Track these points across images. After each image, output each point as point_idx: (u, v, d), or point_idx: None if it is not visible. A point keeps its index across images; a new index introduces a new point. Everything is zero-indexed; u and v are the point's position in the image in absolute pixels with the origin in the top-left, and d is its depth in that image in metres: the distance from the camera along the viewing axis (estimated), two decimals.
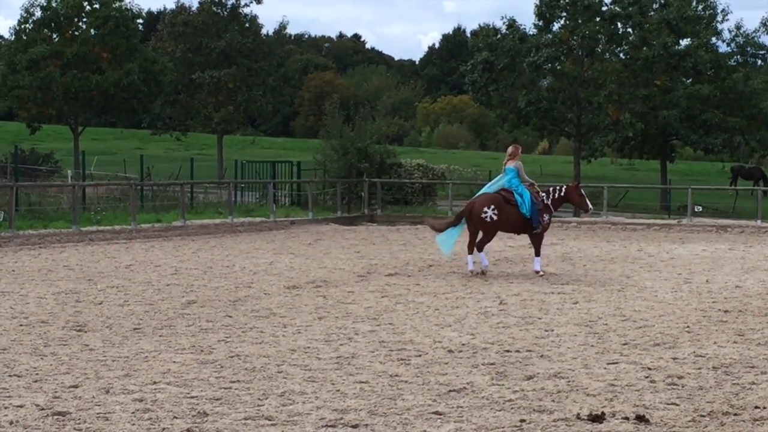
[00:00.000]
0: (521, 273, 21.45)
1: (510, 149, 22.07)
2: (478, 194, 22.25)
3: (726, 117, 53.14)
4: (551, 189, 22.35)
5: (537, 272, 21.29)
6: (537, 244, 21.76)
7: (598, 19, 52.40)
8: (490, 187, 22.13)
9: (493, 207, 21.18)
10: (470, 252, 21.38)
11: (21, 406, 9.21)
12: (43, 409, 9.15)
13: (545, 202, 21.83)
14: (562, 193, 22.18)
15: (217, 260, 23.55)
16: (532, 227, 21.50)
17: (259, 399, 9.64)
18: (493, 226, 21.33)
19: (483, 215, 21.15)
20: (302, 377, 10.65)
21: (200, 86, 60.08)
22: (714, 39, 54.62)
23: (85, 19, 53.00)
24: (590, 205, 22.57)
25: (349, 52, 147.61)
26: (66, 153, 60.50)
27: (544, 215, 21.79)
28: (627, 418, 9.00)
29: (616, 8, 52.12)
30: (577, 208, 25.70)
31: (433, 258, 24.42)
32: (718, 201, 51.66)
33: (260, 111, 63.61)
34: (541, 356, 11.96)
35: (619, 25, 53.41)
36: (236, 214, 36.19)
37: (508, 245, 22.72)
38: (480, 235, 21.37)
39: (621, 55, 54.33)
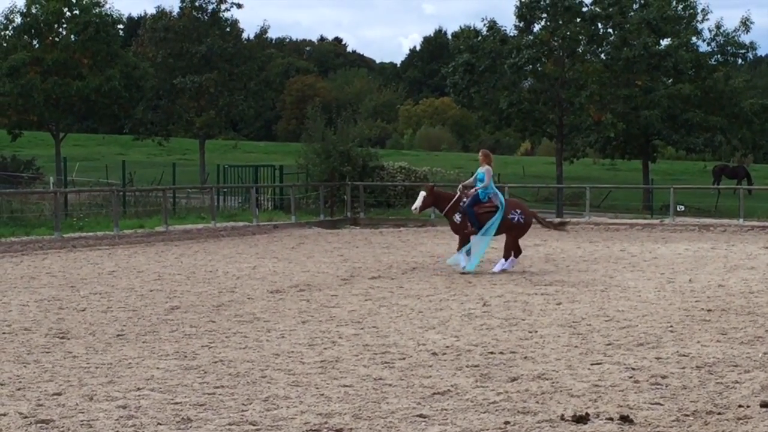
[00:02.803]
0: (504, 275, 21.46)
1: (481, 156, 22.42)
2: (502, 201, 22.40)
3: (707, 116, 53.25)
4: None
5: (461, 271, 21.72)
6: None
7: (578, 19, 52.46)
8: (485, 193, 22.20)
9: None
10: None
11: (4, 415, 9.18)
12: (26, 417, 9.12)
13: None
14: None
15: (200, 265, 23.49)
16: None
17: (243, 404, 9.62)
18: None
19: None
20: (286, 382, 10.63)
21: (182, 91, 59.94)
22: (694, 38, 54.79)
23: (65, 25, 52.89)
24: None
25: (330, 56, 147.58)
26: (48, 159, 60.34)
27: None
28: (611, 419, 9.02)
29: (597, 9, 52.19)
30: None
31: (416, 261, 24.44)
32: (700, 200, 51.77)
33: (242, 115, 63.59)
34: (525, 358, 11.97)
35: (600, 25, 53.48)
36: (219, 219, 36.12)
37: (491, 246, 22.73)
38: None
39: (602, 55, 54.37)
